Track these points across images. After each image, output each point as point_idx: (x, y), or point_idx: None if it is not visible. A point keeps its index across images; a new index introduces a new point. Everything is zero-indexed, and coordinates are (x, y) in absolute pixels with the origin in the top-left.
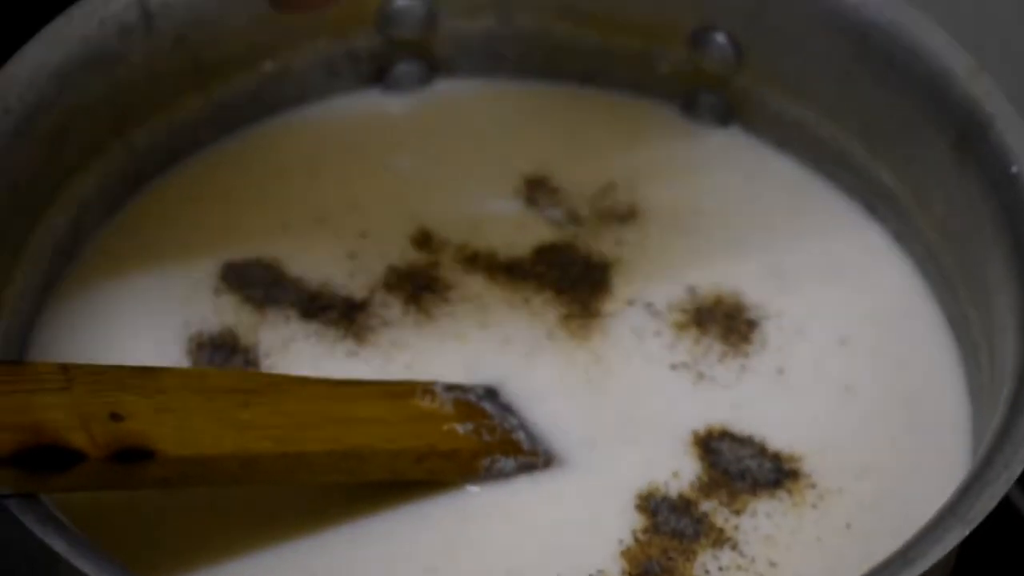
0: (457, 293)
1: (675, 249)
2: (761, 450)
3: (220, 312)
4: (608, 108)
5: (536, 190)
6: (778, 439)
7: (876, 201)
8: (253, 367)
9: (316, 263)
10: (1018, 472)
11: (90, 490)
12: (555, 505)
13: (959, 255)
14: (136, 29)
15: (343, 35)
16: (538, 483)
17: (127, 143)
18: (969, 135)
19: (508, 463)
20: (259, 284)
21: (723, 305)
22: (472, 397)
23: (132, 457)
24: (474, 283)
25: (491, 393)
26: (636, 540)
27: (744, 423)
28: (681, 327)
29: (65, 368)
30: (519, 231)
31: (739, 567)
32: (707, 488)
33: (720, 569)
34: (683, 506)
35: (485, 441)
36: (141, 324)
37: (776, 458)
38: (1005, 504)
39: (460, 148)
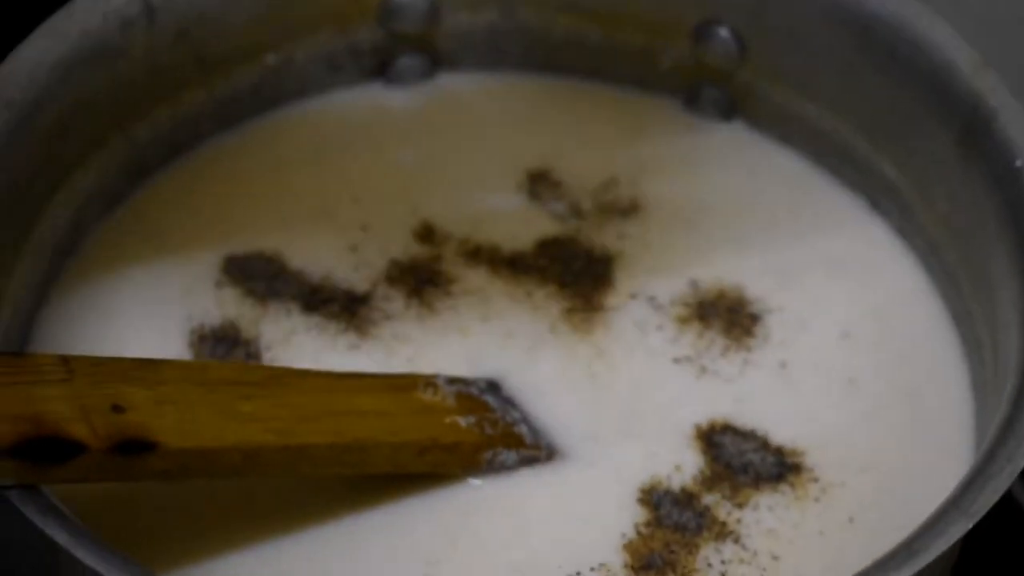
0: (459, 287)
1: (678, 243)
2: (764, 444)
3: (222, 305)
4: (611, 102)
5: (539, 184)
6: (781, 433)
7: (879, 195)
8: (255, 360)
9: (318, 256)
10: (1021, 466)
11: (91, 482)
12: (557, 498)
13: (962, 250)
14: (138, 23)
15: (345, 29)
16: (540, 476)
17: (128, 137)
18: (973, 129)
19: (510, 456)
20: (261, 277)
21: (726, 299)
22: (474, 390)
23: (133, 449)
24: (476, 277)
25: (493, 386)
26: (638, 533)
27: (747, 417)
28: (684, 321)
29: (66, 360)
30: (522, 225)
31: (741, 560)
32: (710, 482)
33: (722, 562)
34: (685, 499)
35: (487, 434)
36: (143, 317)
37: (779, 452)
38: (1007, 498)
39: (462, 142)
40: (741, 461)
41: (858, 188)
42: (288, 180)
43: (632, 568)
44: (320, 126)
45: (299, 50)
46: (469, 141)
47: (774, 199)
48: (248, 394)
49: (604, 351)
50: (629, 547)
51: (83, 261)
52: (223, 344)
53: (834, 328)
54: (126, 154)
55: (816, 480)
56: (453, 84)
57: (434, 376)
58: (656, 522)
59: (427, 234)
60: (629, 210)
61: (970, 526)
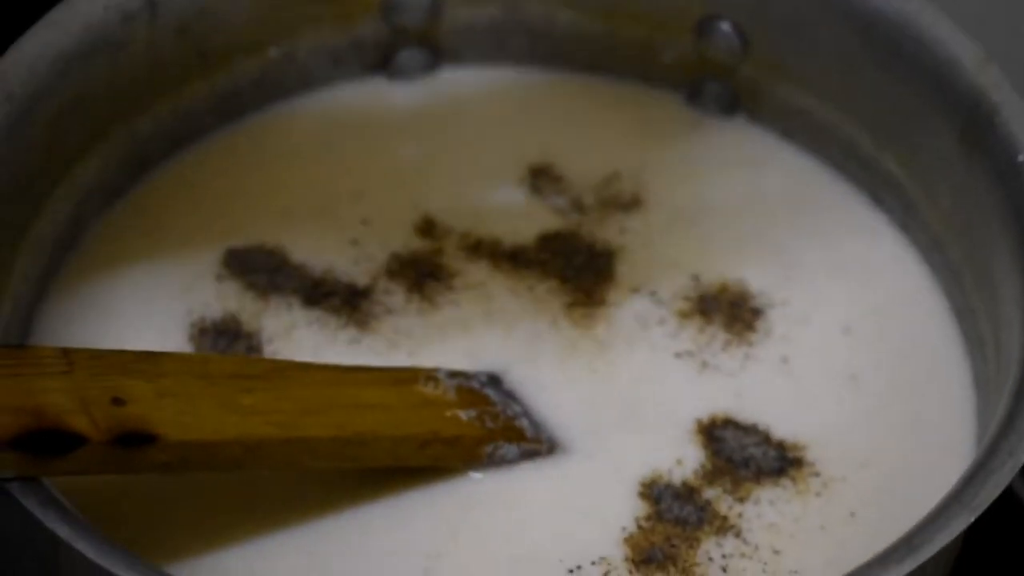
0: (461, 281)
1: (679, 238)
2: (765, 438)
3: (223, 298)
4: (613, 97)
5: (540, 178)
6: (782, 427)
7: (882, 191)
8: (256, 354)
9: (319, 250)
10: (1022, 460)
11: (92, 474)
12: (558, 492)
13: (965, 246)
14: (139, 16)
15: (347, 23)
16: (541, 470)
17: (130, 130)
18: (976, 125)
19: (511, 450)
20: (262, 270)
21: (727, 294)
22: (475, 384)
23: (134, 441)
24: (478, 271)
25: (494, 380)
26: (639, 527)
27: (748, 411)
28: (685, 316)
29: (66, 352)
30: (523, 219)
31: (742, 555)
32: (711, 476)
33: (723, 556)
34: (686, 494)
35: (488, 428)
36: (144, 311)
37: (780, 446)
38: (1009, 494)
39: (464, 136)
40: (742, 455)
41: (860, 184)
42: (290, 174)
43: (633, 562)
44: (322, 120)
45: (301, 44)
46: (471, 135)
47: (776, 194)
48: (249, 387)
49: (605, 345)
50: (630, 541)
51: (84, 255)
52: (224, 338)
53: (836, 323)
54: (127, 147)
55: (817, 475)
56: (455, 78)
57: (435, 370)
58: (657, 516)
59: (428, 228)
60: (631, 205)
61: (972, 520)
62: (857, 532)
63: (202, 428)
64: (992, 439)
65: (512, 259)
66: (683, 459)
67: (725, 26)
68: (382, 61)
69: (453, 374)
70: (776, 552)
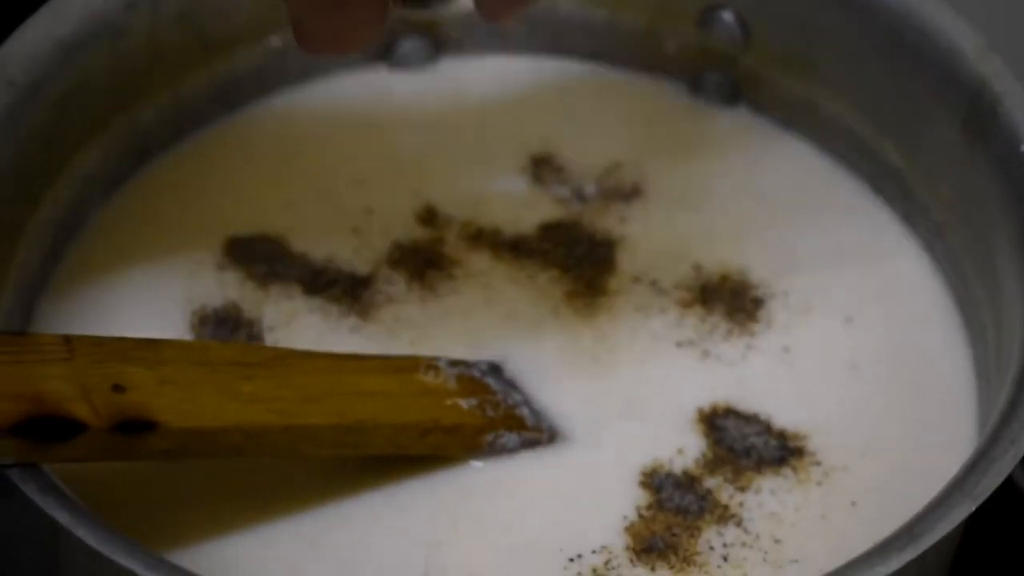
0: (462, 270)
1: (681, 227)
2: (766, 427)
3: (224, 287)
4: (615, 87)
5: (542, 168)
6: (783, 417)
7: (883, 181)
8: (257, 342)
9: (320, 239)
10: None
11: (92, 461)
12: (559, 481)
13: (966, 235)
14: (140, 4)
15: None
16: (542, 459)
17: (131, 118)
18: (978, 114)
19: (512, 439)
20: (263, 259)
21: (729, 283)
22: (476, 373)
23: (134, 428)
24: (479, 260)
25: (495, 369)
26: (640, 516)
27: (749, 401)
28: (686, 305)
29: (67, 339)
30: (524, 208)
31: (743, 544)
32: (712, 465)
33: (724, 546)
34: (687, 483)
35: (489, 416)
36: (145, 299)
37: (781, 436)
38: (1010, 484)
39: (466, 126)
40: (743, 445)
41: (862, 173)
42: (291, 163)
43: (633, 551)
44: (323, 110)
45: None
46: (472, 125)
47: (777, 184)
48: (250, 374)
49: (606, 335)
50: (631, 530)
51: (84, 243)
52: (224, 326)
53: (837, 313)
54: (128, 136)
55: (818, 464)
56: (456, 68)
57: (436, 358)
58: (658, 505)
59: (430, 217)
60: (632, 194)
61: (973, 508)
62: (858, 521)
63: (202, 415)
64: (994, 427)
65: (513, 248)
66: (684, 448)
67: (727, 16)
68: (384, 51)
69: (454, 363)
70: (777, 541)
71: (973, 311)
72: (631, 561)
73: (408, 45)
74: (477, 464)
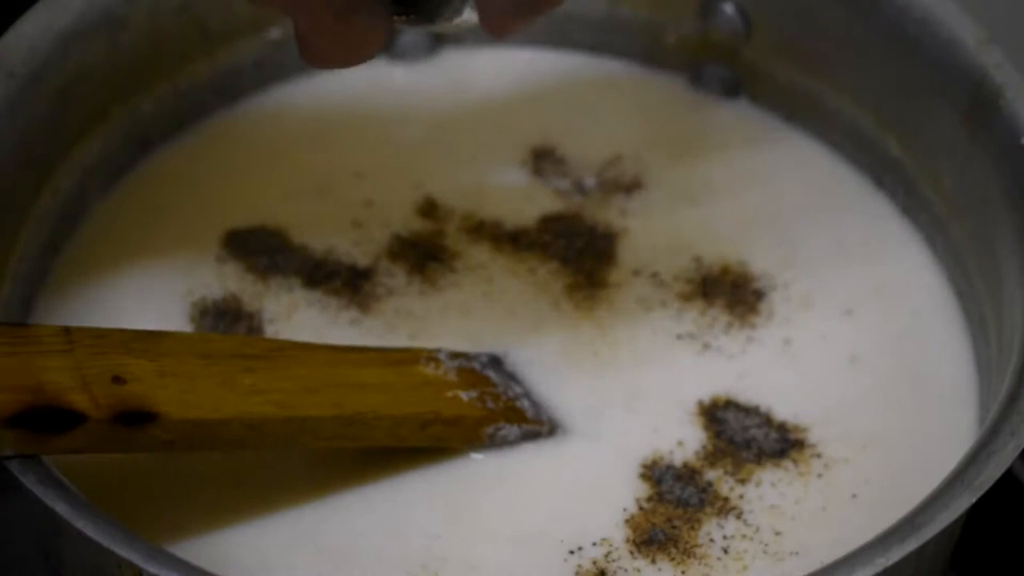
0: (462, 262)
1: (681, 220)
2: (767, 420)
3: (224, 279)
4: (615, 79)
5: (542, 160)
6: (784, 409)
7: (884, 173)
8: (256, 335)
9: (321, 231)
10: None
11: (92, 452)
12: (559, 473)
13: (967, 227)
14: None
15: None
16: (542, 451)
17: (132, 109)
18: (979, 105)
19: (512, 431)
20: (263, 252)
21: (729, 276)
22: (476, 365)
23: (134, 419)
24: (479, 253)
25: (495, 361)
26: (640, 508)
27: (750, 393)
28: (687, 298)
29: (67, 331)
30: (525, 201)
31: (744, 536)
32: (712, 457)
33: (725, 538)
34: (688, 475)
35: (489, 409)
36: (144, 291)
37: (782, 428)
38: (1010, 477)
39: (466, 118)
40: (744, 437)
41: (863, 165)
42: (291, 155)
43: (634, 543)
44: (323, 102)
45: None
46: (473, 117)
47: (778, 176)
48: (250, 366)
49: (607, 327)
50: (631, 522)
51: (85, 234)
52: (224, 318)
53: (838, 306)
54: (128, 127)
55: (819, 456)
56: (457, 60)
57: (436, 351)
58: (658, 497)
59: (430, 210)
60: (632, 187)
61: (974, 500)
62: (859, 513)
63: (202, 407)
64: (994, 419)
65: (514, 241)
66: (684, 441)
67: (728, 8)
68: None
69: (454, 355)
70: (777, 534)
71: (974, 304)
72: (631, 553)
73: (408, 38)
74: (477, 456)
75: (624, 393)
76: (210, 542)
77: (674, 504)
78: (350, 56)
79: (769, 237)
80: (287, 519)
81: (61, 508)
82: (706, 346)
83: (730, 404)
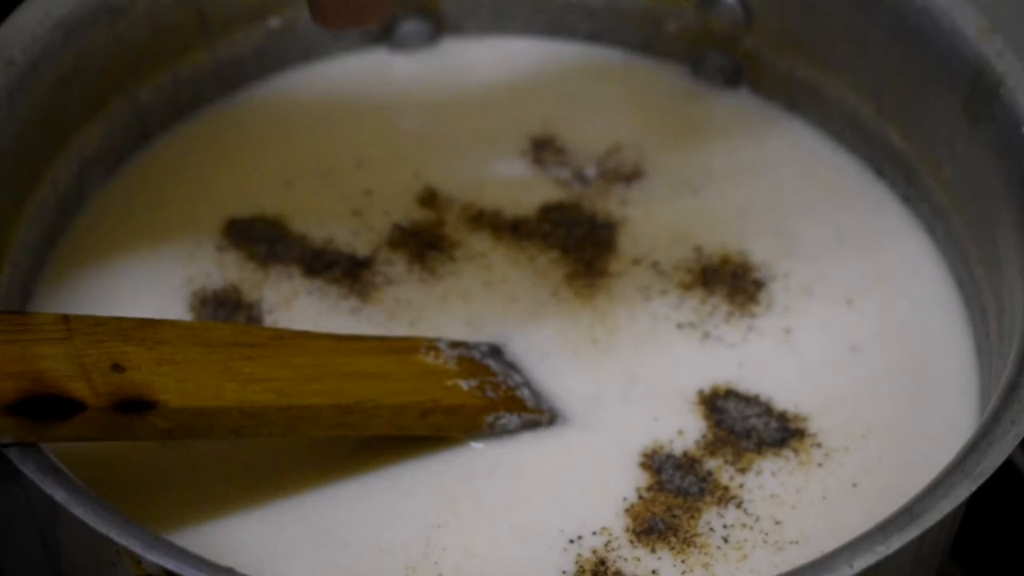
0: (462, 251)
1: (681, 209)
2: (767, 409)
3: (223, 268)
4: (615, 68)
5: (542, 150)
6: (784, 398)
7: (885, 162)
8: (256, 323)
9: (320, 220)
10: None
11: (91, 440)
12: (559, 462)
13: (968, 216)
14: None
15: None
16: (542, 440)
17: (131, 98)
18: (979, 94)
19: (512, 420)
20: (263, 241)
21: (730, 265)
22: (476, 354)
23: (133, 408)
24: (479, 242)
25: (495, 351)
26: (640, 497)
27: (750, 382)
28: (687, 287)
29: (66, 318)
30: (525, 190)
31: (744, 525)
32: (712, 446)
33: (725, 527)
34: (688, 464)
35: (489, 398)
36: (144, 280)
37: (782, 417)
38: (1010, 467)
39: (466, 107)
40: (744, 426)
41: (864, 155)
42: (291, 144)
43: (633, 532)
44: (323, 91)
45: (303, 13)
46: (473, 106)
47: (779, 166)
48: (249, 355)
49: (607, 316)
50: (631, 511)
51: (84, 223)
52: (224, 307)
53: (838, 295)
54: (128, 116)
55: (819, 445)
56: (457, 49)
57: (436, 340)
58: (658, 486)
59: (430, 199)
60: (632, 176)
61: (974, 488)
62: (859, 502)
63: (202, 395)
64: (995, 408)
65: (514, 230)
66: (684, 430)
67: None
68: (384, 32)
69: (454, 344)
70: (777, 523)
71: (974, 292)
72: (631, 543)
73: (409, 26)
74: (477, 445)
75: (624, 382)
76: (210, 530)
77: (674, 493)
78: (361, 16)
79: (769, 226)
80: (286, 507)
81: (60, 495)
82: (706, 335)
83: (730, 393)
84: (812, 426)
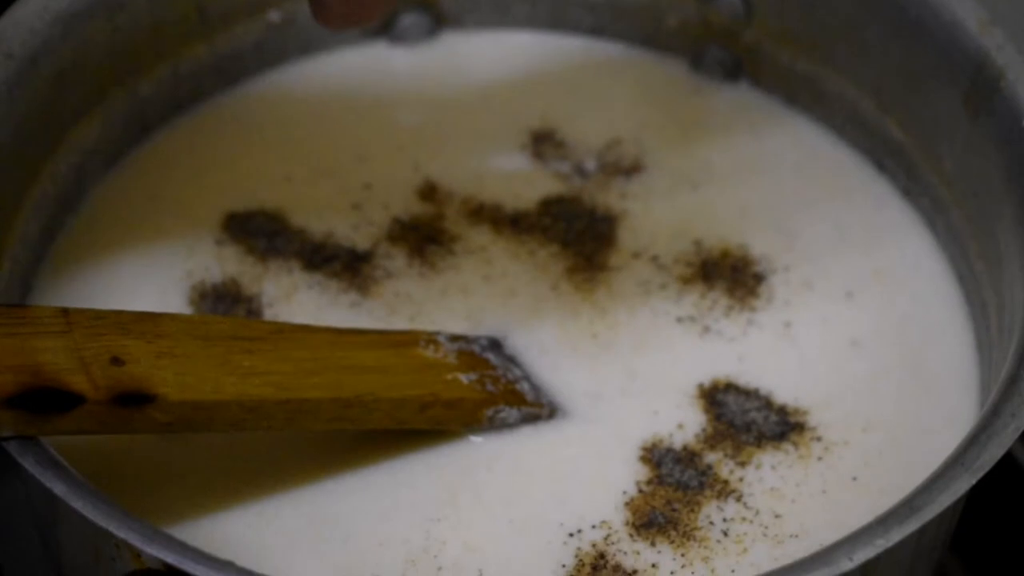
0: (462, 245)
1: (681, 203)
2: (767, 403)
3: (223, 262)
4: (616, 62)
5: (542, 143)
6: (784, 392)
7: (885, 156)
8: (256, 317)
9: (320, 214)
10: None
11: (90, 433)
12: (559, 456)
13: (968, 210)
14: None
15: None
16: (542, 434)
17: (130, 92)
18: (980, 88)
19: (512, 413)
20: (262, 234)
21: (729, 259)
22: (476, 348)
23: (132, 401)
24: (479, 235)
25: (495, 344)
26: (640, 491)
27: (750, 376)
28: (687, 281)
29: (65, 312)
30: (525, 184)
31: (743, 519)
32: (712, 440)
33: (724, 520)
34: (688, 458)
35: (489, 391)
36: (143, 273)
37: (782, 411)
38: (1010, 460)
39: (466, 101)
40: (744, 420)
41: (864, 149)
42: (291, 138)
43: (633, 526)
44: (323, 85)
45: (302, 8)
46: (473, 100)
47: (779, 160)
48: (248, 348)
49: (606, 310)
50: (630, 505)
51: (83, 217)
52: (223, 301)
53: (838, 289)
54: (127, 110)
55: (819, 439)
56: (457, 43)
57: (436, 333)
58: (658, 480)
59: (430, 193)
60: (633, 170)
61: (974, 482)
62: (859, 496)
63: (201, 388)
64: (995, 402)
65: (514, 224)
66: (684, 423)
67: None
68: (384, 26)
69: (454, 338)
70: (777, 516)
71: (974, 286)
72: (631, 536)
73: (408, 20)
74: (477, 439)
75: (624, 376)
76: (209, 524)
77: (674, 487)
78: (362, 15)
79: (769, 220)
80: (286, 501)
81: (59, 489)
82: (706, 329)
83: (730, 387)
84: (812, 420)
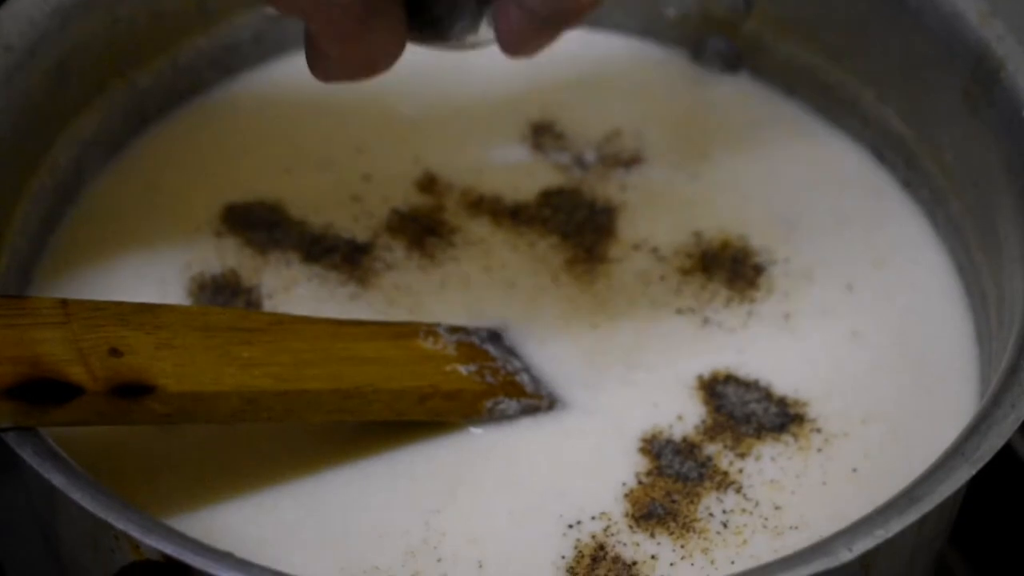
0: (461, 237)
1: (681, 194)
2: (767, 394)
3: (222, 254)
4: (616, 54)
5: (542, 135)
6: (784, 384)
7: (885, 147)
8: (255, 309)
9: (319, 206)
10: None
11: (89, 424)
12: (558, 447)
13: (968, 200)
14: None
15: None
16: (542, 425)
17: (130, 83)
18: (980, 79)
19: (512, 405)
20: (262, 226)
21: (729, 250)
22: (475, 340)
23: (131, 392)
24: (479, 227)
25: (494, 336)
26: (639, 483)
27: (750, 367)
28: (687, 272)
29: (64, 303)
30: (524, 176)
31: (743, 510)
32: (712, 431)
33: (724, 512)
34: (687, 449)
35: (488, 383)
36: (142, 265)
37: (782, 402)
38: (1009, 452)
39: (466, 93)
40: (743, 411)
41: (864, 140)
42: (290, 130)
43: (633, 517)
44: None
45: None
46: (473, 92)
47: (779, 151)
48: (248, 339)
49: (606, 302)
50: (630, 496)
51: (83, 208)
52: (223, 293)
53: (838, 280)
54: (127, 101)
55: (819, 431)
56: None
57: (435, 325)
58: (657, 471)
59: (429, 184)
60: (632, 162)
61: (973, 472)
62: (858, 487)
63: (200, 379)
64: (994, 392)
65: (513, 216)
66: (684, 415)
67: None
68: None
69: (453, 329)
70: (777, 508)
71: (974, 277)
72: (630, 527)
73: None
74: (476, 430)
75: (623, 367)
76: (208, 515)
77: (673, 478)
78: (364, 66)
79: (769, 211)
80: (285, 493)
81: (58, 480)
82: (706, 320)
83: (730, 378)
84: (812, 411)
